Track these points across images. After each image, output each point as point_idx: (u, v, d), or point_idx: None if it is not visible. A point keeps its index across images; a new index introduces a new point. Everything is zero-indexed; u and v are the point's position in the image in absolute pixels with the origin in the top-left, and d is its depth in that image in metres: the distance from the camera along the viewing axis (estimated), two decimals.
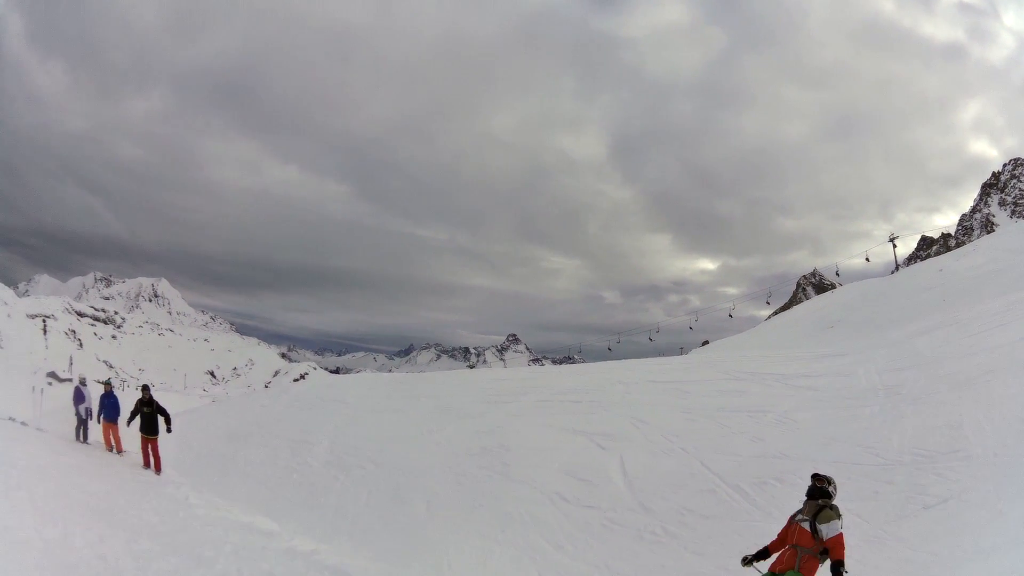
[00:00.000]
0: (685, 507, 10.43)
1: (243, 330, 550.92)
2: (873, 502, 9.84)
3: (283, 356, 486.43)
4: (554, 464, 12.92)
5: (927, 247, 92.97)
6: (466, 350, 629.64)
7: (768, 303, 55.86)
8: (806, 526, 6.71)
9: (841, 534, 6.53)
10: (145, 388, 17.96)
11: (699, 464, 12.09)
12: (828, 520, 6.57)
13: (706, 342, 53.02)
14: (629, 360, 27.10)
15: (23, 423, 19.36)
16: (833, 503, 6.87)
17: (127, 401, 20.06)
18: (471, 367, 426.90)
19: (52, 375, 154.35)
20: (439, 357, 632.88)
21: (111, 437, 18.58)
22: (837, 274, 57.55)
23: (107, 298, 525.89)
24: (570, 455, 13.30)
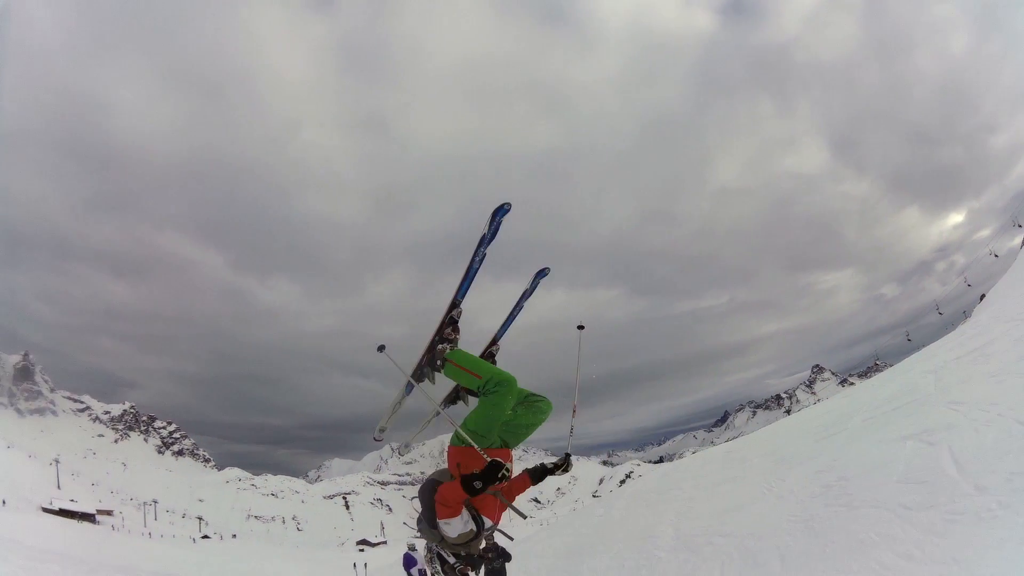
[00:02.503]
0: (1013, 472, 10.56)
1: (558, 452, 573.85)
2: None
3: (604, 463, 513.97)
4: (892, 477, 13.25)
5: None
6: (778, 397, 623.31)
7: (1019, 226, 59.57)
8: None
9: None
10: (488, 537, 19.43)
11: (1017, 424, 12.11)
12: None
13: (983, 296, 49.53)
14: (928, 347, 27.63)
15: None
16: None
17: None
18: (787, 412, 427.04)
19: (364, 542, 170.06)
20: (755, 414, 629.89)
21: None
22: None
23: (409, 462, 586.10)
24: (904, 463, 13.59)
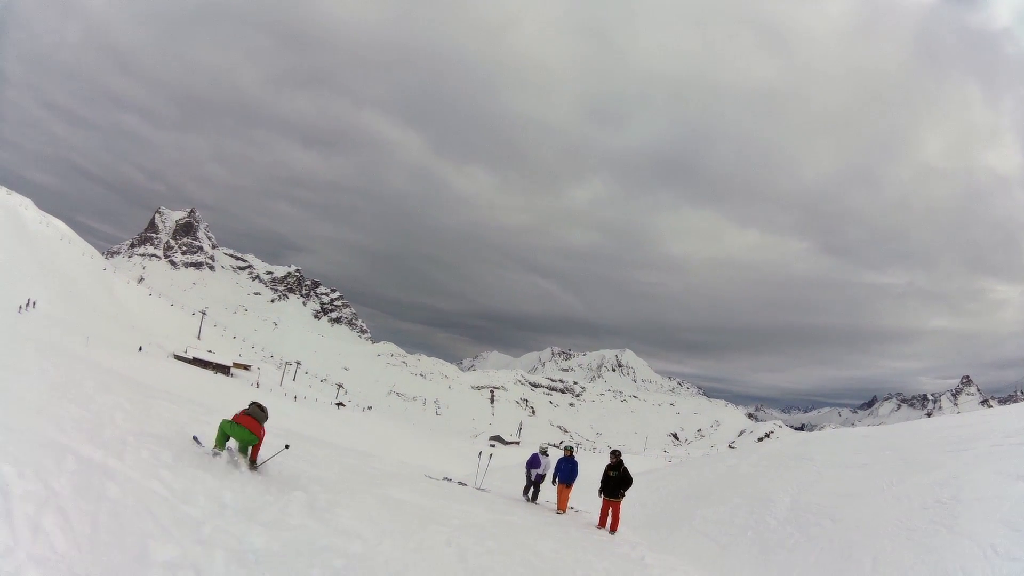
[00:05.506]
0: None
1: (711, 393, 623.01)
2: None
3: (750, 416, 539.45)
4: (995, 515, 13.82)
5: None
6: (924, 397, 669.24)
7: None
8: None
9: None
10: (614, 453, 20.94)
11: None
12: None
13: None
14: None
15: (461, 483, 22.04)
16: None
17: (583, 463, 22.67)
18: (928, 415, 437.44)
19: (497, 439, 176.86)
20: (899, 407, 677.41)
21: (561, 498, 20.56)
22: None
23: (565, 370, 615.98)
24: (1011, 504, 14.07)
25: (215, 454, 13.19)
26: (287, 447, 15.78)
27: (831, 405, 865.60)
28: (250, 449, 13.66)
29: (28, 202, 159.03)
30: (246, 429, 13.55)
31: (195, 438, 14.38)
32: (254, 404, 14.27)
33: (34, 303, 79.18)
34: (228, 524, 9.85)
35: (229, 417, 14.36)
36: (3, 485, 7.81)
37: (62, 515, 7.96)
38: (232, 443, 13.79)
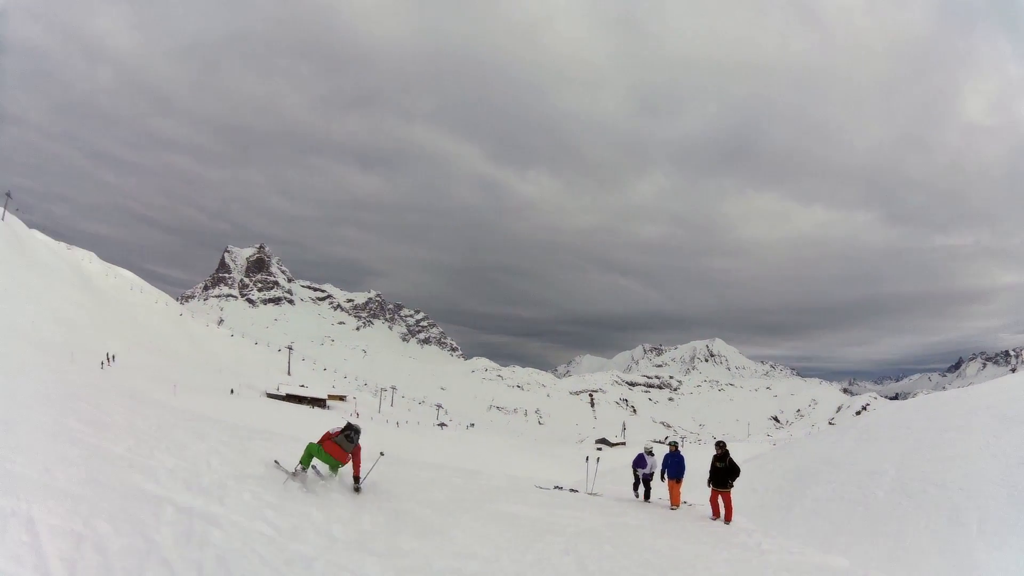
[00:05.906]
0: None
1: (804, 372, 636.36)
2: None
3: (844, 391, 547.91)
4: None
5: None
6: (1006, 354, 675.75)
7: None
8: None
9: None
10: (719, 444, 21.04)
11: None
12: None
13: None
14: None
15: (572, 490, 21.81)
16: None
17: (691, 456, 22.41)
18: (1012, 371, 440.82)
19: (603, 441, 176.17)
20: (984, 366, 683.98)
21: (673, 494, 20.25)
22: None
23: (659, 366, 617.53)
24: None
25: (299, 471, 13.86)
26: (382, 454, 16.61)
27: (920, 371, 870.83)
28: (351, 467, 14.59)
29: (91, 255, 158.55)
30: (331, 456, 14.34)
31: (276, 462, 14.99)
32: (347, 428, 14.67)
33: (113, 357, 79.86)
34: (340, 558, 9.95)
35: (317, 440, 14.77)
36: (99, 543, 7.81)
37: (166, 566, 8.07)
38: (319, 464, 14.68)
